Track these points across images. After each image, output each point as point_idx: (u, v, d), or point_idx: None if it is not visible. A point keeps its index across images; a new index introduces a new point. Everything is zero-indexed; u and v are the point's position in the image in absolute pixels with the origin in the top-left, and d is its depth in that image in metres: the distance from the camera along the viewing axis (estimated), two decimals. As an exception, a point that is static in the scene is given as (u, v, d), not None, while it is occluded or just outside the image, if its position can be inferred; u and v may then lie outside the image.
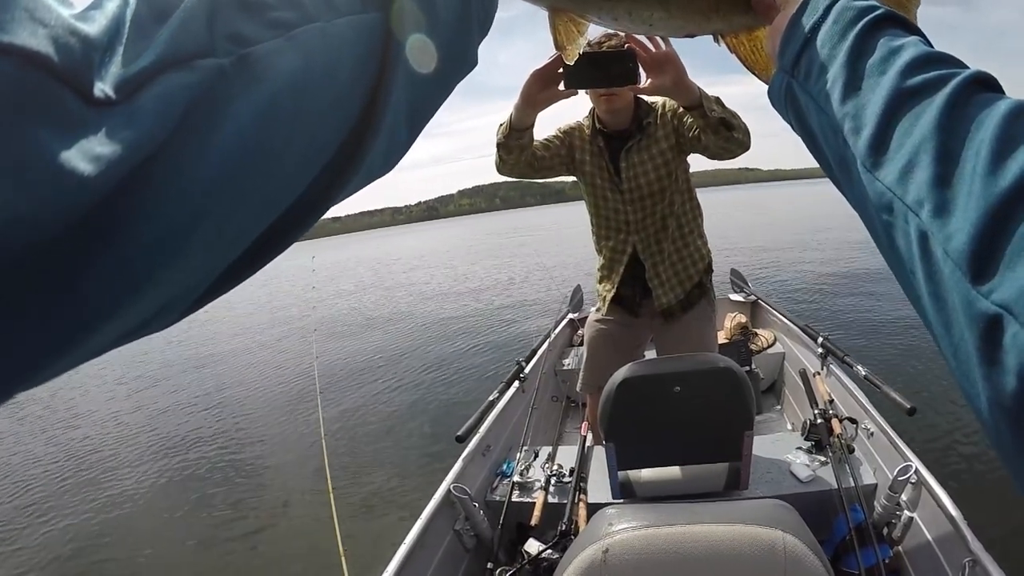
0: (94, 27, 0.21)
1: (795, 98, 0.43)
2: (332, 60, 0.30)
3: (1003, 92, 0.32)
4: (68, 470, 5.60)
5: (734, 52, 0.64)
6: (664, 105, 2.01)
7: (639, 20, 0.60)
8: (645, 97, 2.03)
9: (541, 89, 1.58)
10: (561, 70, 1.49)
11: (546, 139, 2.07)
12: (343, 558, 1.76)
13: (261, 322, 14.23)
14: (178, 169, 0.22)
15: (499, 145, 1.86)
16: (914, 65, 0.35)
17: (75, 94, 0.19)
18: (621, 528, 0.90)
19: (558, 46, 0.61)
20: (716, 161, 1.86)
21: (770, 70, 0.52)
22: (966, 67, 0.34)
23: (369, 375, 7.53)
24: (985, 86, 0.32)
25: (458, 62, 0.42)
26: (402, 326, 11.04)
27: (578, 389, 2.56)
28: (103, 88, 0.20)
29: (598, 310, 2.38)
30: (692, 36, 0.65)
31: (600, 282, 2.29)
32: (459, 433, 2.43)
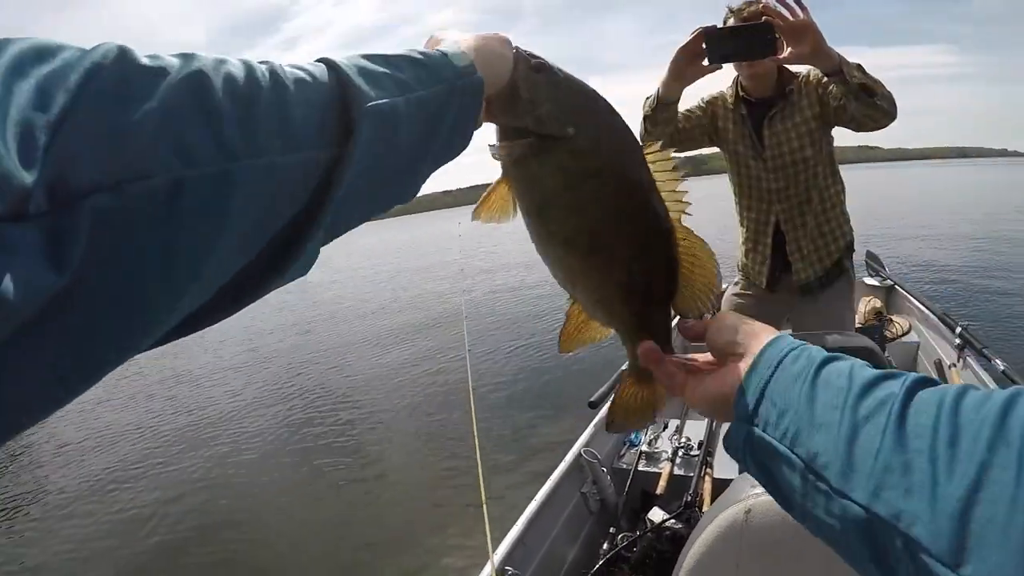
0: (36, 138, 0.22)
1: (754, 443, 0.44)
2: (266, 200, 0.32)
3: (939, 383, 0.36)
4: (205, 424, 6.29)
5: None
6: (808, 74, 1.92)
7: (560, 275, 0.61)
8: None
9: (688, 64, 1.62)
10: (704, 45, 1.54)
11: (687, 110, 2.05)
12: (484, 506, 1.85)
13: (410, 289, 15.18)
14: (88, 291, 0.24)
15: (646, 118, 1.85)
16: (861, 393, 0.38)
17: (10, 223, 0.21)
18: (765, 490, 0.91)
19: (483, 215, 0.59)
20: (861, 133, 1.79)
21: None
22: (903, 376, 0.38)
23: (512, 336, 7.87)
24: (924, 385, 0.36)
25: (398, 197, 0.45)
26: (535, 293, 11.30)
27: None
28: (39, 203, 0.22)
29: (736, 283, 2.34)
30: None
31: (744, 255, 2.23)
32: (592, 399, 2.49)
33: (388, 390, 6.60)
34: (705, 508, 1.87)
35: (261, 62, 0.34)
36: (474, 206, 0.57)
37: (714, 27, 1.57)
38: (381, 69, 0.39)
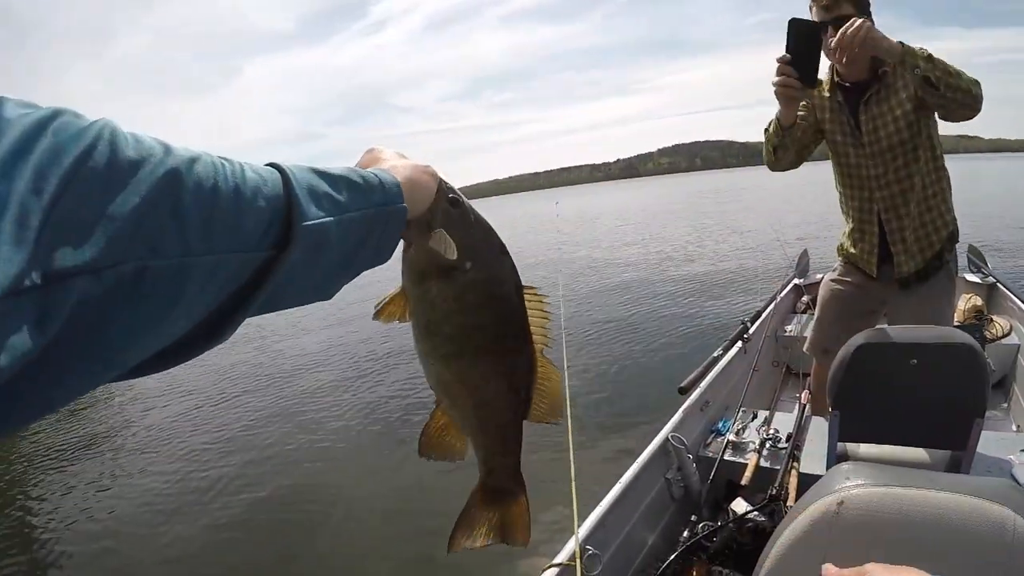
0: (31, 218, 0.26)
1: None
2: (211, 286, 0.36)
3: None
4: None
5: None
6: None
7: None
8: None
9: (789, 91, 1.72)
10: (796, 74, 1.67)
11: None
12: (573, 483, 1.88)
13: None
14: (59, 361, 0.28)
15: (775, 147, 1.98)
16: None
17: (8, 297, 0.24)
18: (858, 483, 0.88)
19: (382, 318, 0.64)
20: (952, 123, 1.76)
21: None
22: None
23: (606, 316, 7.85)
24: None
25: (319, 295, 0.50)
26: (632, 275, 11.16)
27: (804, 349, 2.47)
28: (33, 278, 0.25)
29: (834, 270, 2.29)
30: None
31: (852, 244, 2.16)
32: (682, 385, 2.50)
33: None
34: (790, 502, 1.84)
35: (223, 160, 0.38)
36: (379, 308, 0.63)
37: (794, 19, 1.62)
38: (324, 189, 0.44)
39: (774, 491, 1.90)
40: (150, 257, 0.31)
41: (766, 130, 2.01)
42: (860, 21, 1.59)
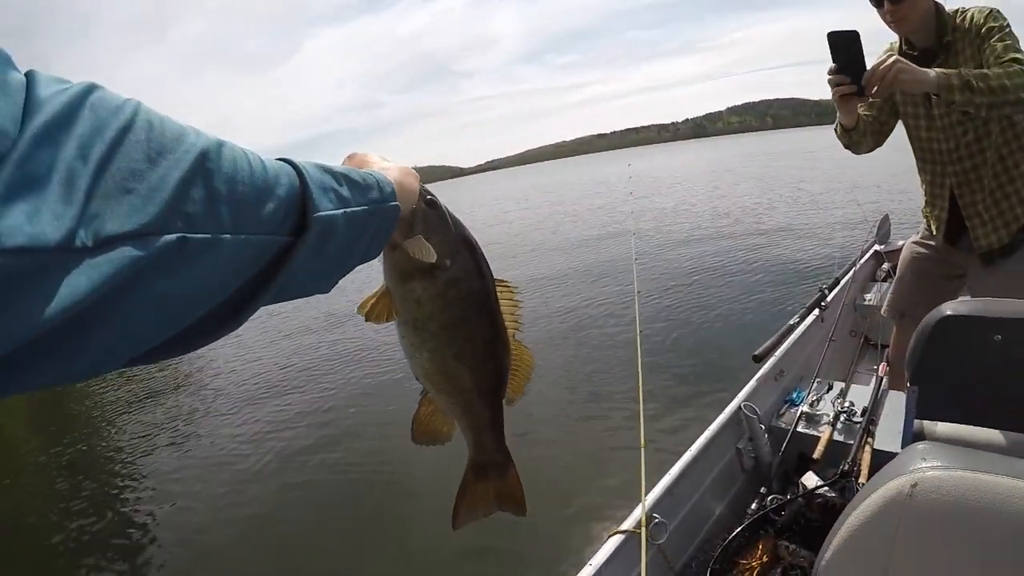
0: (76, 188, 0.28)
1: None
2: (236, 265, 0.39)
3: None
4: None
5: None
6: (968, 19, 1.73)
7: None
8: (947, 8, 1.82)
9: (847, 100, 1.74)
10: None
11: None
12: (642, 450, 1.90)
13: (585, 226, 15.31)
14: (101, 316, 0.30)
15: (848, 146, 2.03)
16: None
17: (58, 252, 0.26)
18: (934, 465, 0.84)
19: (369, 317, 0.66)
20: None
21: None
22: None
23: (681, 281, 7.74)
24: None
25: (321, 287, 0.53)
26: (703, 235, 10.89)
27: (882, 312, 2.41)
28: (83, 238, 0.27)
29: (918, 232, 2.23)
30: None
31: (928, 213, 2.11)
32: (757, 352, 2.46)
33: (556, 327, 6.84)
34: (862, 480, 1.80)
35: (245, 150, 0.41)
36: (365, 309, 0.66)
37: (831, 33, 1.65)
38: (331, 184, 0.48)
39: (846, 467, 1.87)
40: (188, 230, 0.33)
41: (834, 129, 2.02)
42: (891, 60, 1.56)
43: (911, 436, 1.76)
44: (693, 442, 2.09)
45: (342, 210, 0.48)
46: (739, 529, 1.79)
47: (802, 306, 3.10)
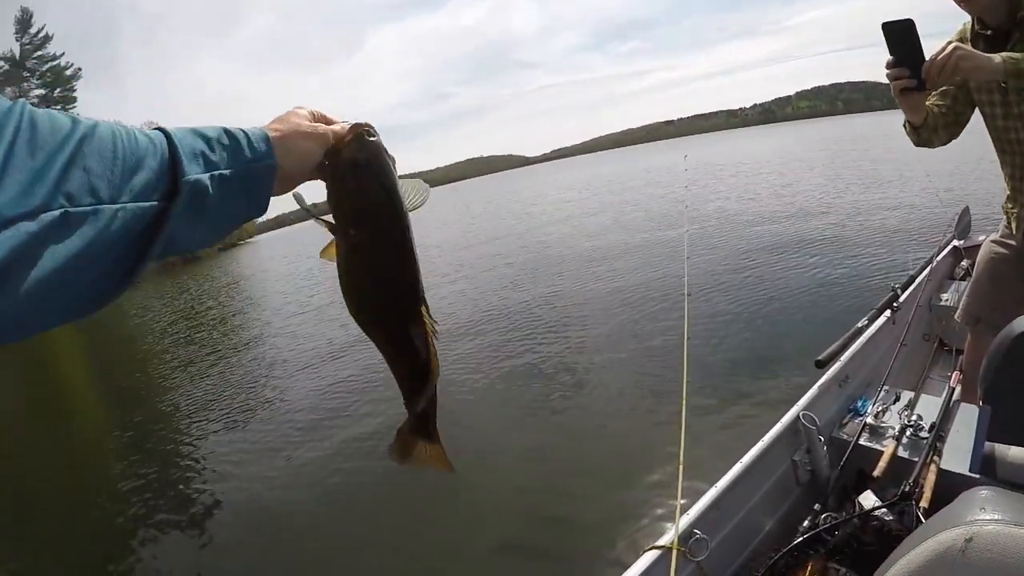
0: None
1: None
2: (115, 232, 0.44)
3: None
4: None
5: None
6: None
7: None
8: None
9: (907, 94, 1.63)
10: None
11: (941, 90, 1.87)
12: (680, 467, 1.83)
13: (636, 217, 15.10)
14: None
15: (919, 143, 1.91)
16: None
17: None
18: (995, 518, 0.75)
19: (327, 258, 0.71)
20: None
21: None
22: None
23: (731, 280, 7.48)
24: None
25: (210, 240, 0.57)
26: (763, 228, 10.51)
27: (955, 317, 2.25)
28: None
29: (998, 230, 2.08)
30: None
31: (1009, 208, 1.96)
32: (820, 357, 2.34)
33: (603, 323, 6.79)
34: (923, 503, 1.68)
35: (119, 127, 0.47)
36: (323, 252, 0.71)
37: (885, 24, 1.54)
38: (202, 148, 0.52)
39: (908, 487, 1.75)
40: (70, 205, 0.40)
41: (903, 126, 1.90)
42: (950, 48, 1.44)
43: (980, 459, 1.63)
44: (745, 452, 1.99)
45: (209, 173, 0.52)
46: (789, 547, 1.71)
47: (872, 307, 2.92)
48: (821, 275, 7.00)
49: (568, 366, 5.57)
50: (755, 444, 2.03)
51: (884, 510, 1.72)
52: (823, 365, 2.31)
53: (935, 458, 1.87)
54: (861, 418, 2.22)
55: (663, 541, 1.64)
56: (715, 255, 8.97)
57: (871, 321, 2.75)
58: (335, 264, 0.70)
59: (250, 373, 7.78)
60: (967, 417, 1.96)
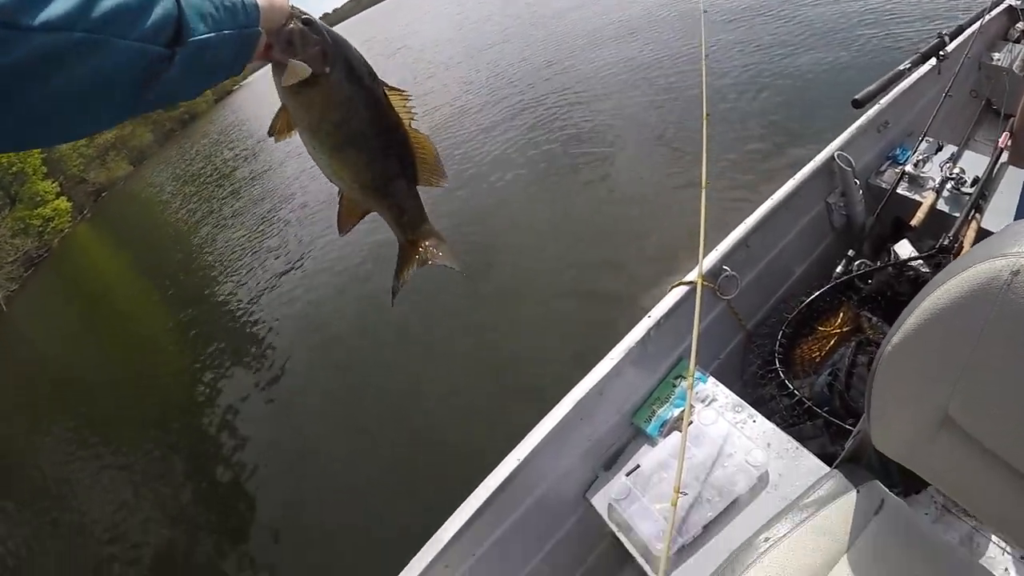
0: None
1: None
2: (121, 62, 0.50)
3: None
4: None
5: None
6: None
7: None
8: None
9: None
10: None
11: None
12: (703, 193, 1.73)
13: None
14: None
15: None
16: None
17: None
18: None
19: (276, 137, 0.75)
20: None
21: None
22: None
23: (762, 18, 6.67)
24: None
25: (191, 91, 0.61)
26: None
27: (1014, 68, 2.08)
28: (35, 19, 0.42)
29: None
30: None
31: None
32: (857, 97, 2.19)
33: (622, 85, 6.37)
34: (962, 256, 1.71)
35: None
36: (273, 130, 0.75)
37: None
38: (209, 9, 0.58)
39: (947, 241, 1.73)
40: (90, 31, 0.46)
41: None
42: None
43: None
44: (775, 190, 1.91)
45: (214, 33, 0.58)
46: (820, 291, 1.76)
47: (917, 51, 2.68)
48: (860, 6, 6.12)
49: (588, 134, 5.39)
50: (786, 183, 1.96)
51: (920, 261, 1.74)
52: (860, 105, 2.15)
53: (976, 215, 1.83)
54: (900, 166, 2.15)
55: (691, 276, 1.62)
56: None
57: (915, 66, 2.48)
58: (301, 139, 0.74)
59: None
60: (1013, 179, 1.91)
